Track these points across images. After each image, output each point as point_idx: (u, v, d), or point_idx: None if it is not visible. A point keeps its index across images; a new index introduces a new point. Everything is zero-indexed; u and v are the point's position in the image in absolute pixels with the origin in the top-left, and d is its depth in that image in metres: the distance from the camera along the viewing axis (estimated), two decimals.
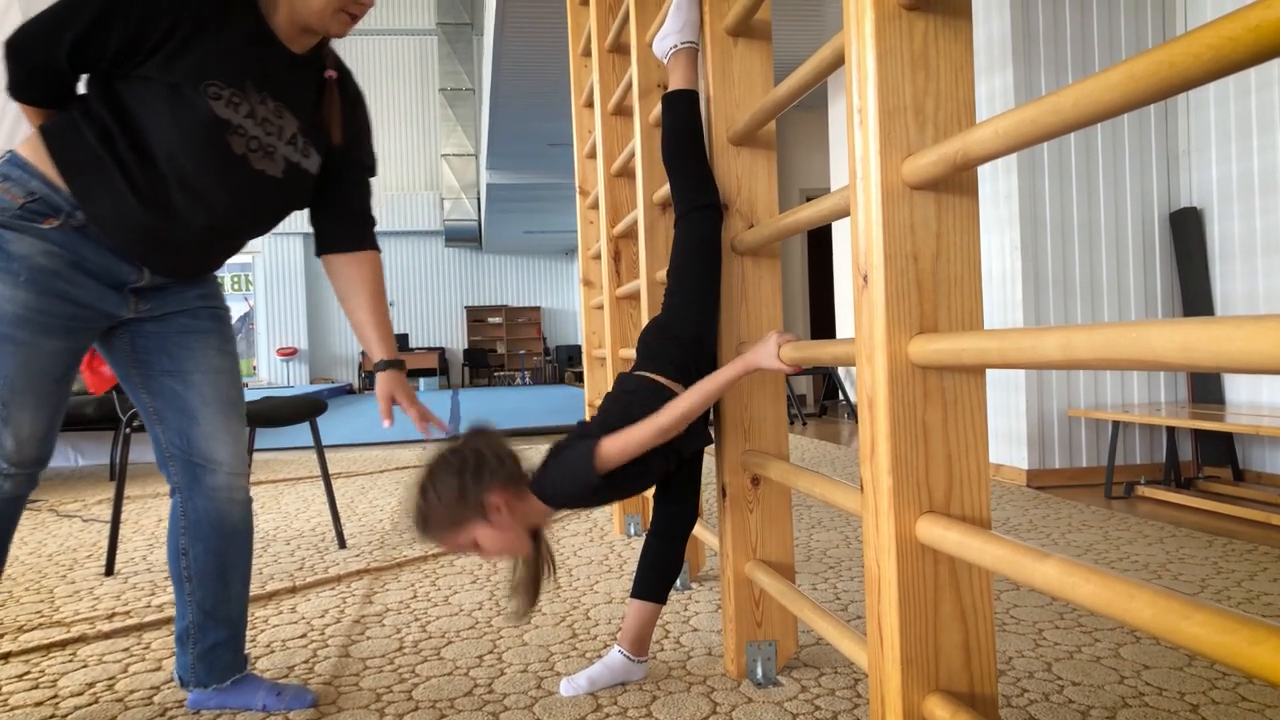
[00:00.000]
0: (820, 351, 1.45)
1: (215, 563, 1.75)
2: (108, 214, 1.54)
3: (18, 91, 1.54)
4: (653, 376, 1.80)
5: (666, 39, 1.95)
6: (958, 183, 1.11)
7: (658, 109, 2.32)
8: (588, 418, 3.91)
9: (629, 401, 1.77)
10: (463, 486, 1.59)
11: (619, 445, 1.65)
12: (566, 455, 1.68)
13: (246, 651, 1.84)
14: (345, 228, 1.85)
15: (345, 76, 1.76)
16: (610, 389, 1.88)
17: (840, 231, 7.26)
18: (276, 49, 1.60)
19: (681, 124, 1.92)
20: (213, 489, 1.73)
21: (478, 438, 1.67)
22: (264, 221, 1.72)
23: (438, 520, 1.61)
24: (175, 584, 1.78)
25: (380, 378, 1.84)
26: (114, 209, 1.53)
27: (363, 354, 18.67)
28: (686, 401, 1.65)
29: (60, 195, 1.52)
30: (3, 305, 1.50)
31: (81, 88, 1.56)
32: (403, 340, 18.98)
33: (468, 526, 1.61)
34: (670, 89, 1.96)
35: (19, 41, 1.49)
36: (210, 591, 1.75)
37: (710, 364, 1.88)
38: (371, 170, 1.87)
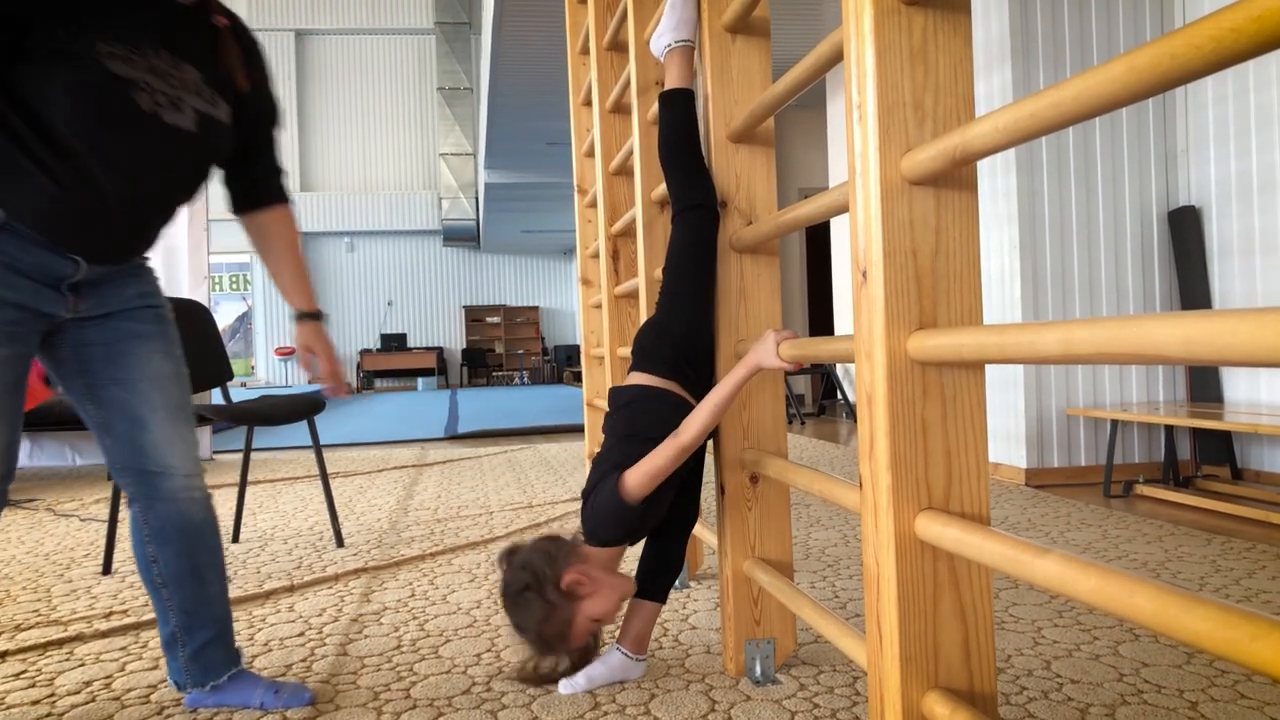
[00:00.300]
0: (819, 348, 1.45)
1: (188, 564, 1.72)
2: (27, 204, 1.47)
3: None
4: (646, 381, 1.80)
5: (662, 37, 1.95)
6: (957, 178, 1.10)
7: (655, 107, 2.32)
8: (585, 420, 3.91)
9: (630, 415, 1.78)
10: (542, 598, 1.69)
11: (643, 475, 1.66)
12: (597, 500, 1.72)
13: (238, 646, 1.84)
14: (259, 186, 1.86)
15: (236, 22, 1.74)
16: (607, 407, 1.88)
17: (839, 229, 7.26)
18: (162, 1, 1.58)
19: (678, 122, 1.92)
20: (170, 493, 1.70)
21: (513, 556, 1.78)
22: (187, 183, 1.68)
23: (551, 635, 1.72)
24: (151, 592, 1.75)
25: (300, 329, 1.88)
26: (32, 198, 1.47)
27: (361, 354, 18.66)
28: (700, 417, 1.66)
29: None
30: None
31: None
32: (400, 339, 18.98)
33: (575, 617, 1.71)
34: (666, 87, 1.96)
35: None
36: (189, 593, 1.73)
37: (705, 362, 1.88)
38: (276, 120, 1.86)
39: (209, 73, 1.65)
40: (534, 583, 1.70)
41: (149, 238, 1.69)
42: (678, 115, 1.92)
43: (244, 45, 1.74)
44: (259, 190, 1.85)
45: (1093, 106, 0.78)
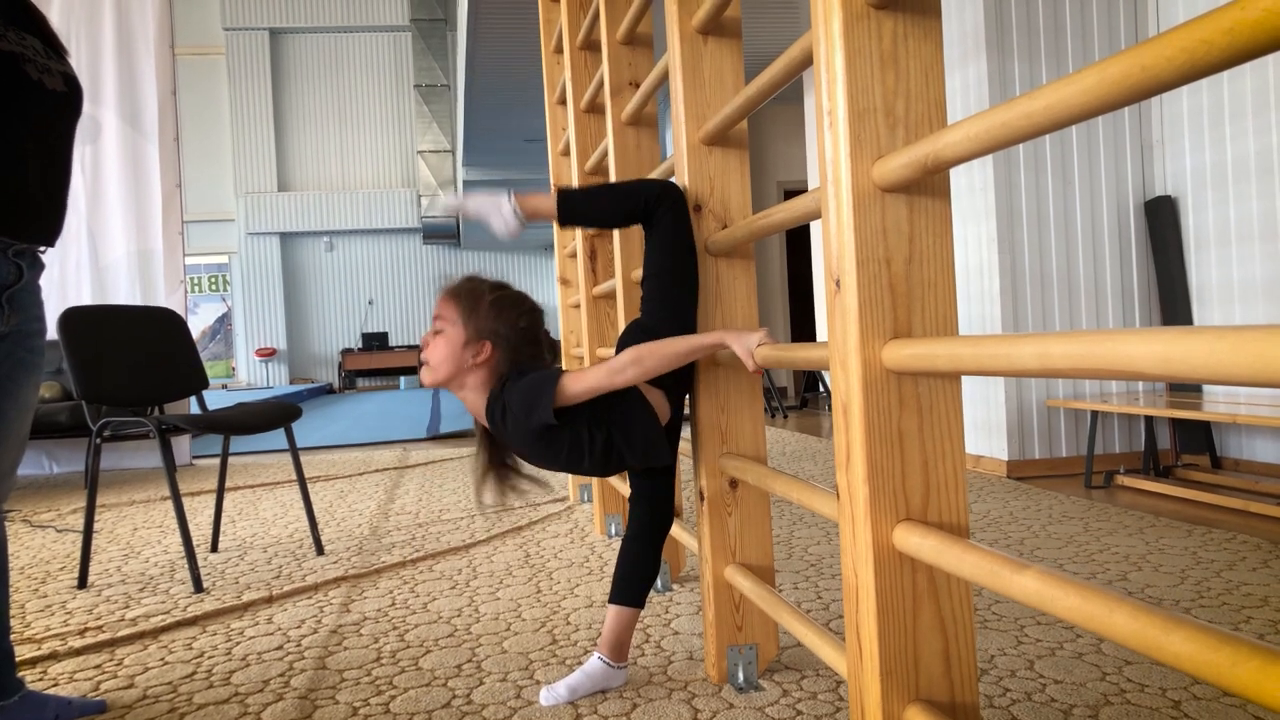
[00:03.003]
0: (795, 355, 1.43)
1: None
2: None
3: None
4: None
5: (504, 215, 1.97)
6: (929, 185, 1.09)
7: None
8: None
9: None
10: (481, 305, 1.69)
11: (575, 383, 1.63)
12: (534, 376, 1.66)
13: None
14: None
15: None
16: None
17: (817, 231, 7.25)
18: None
19: (587, 199, 1.99)
20: None
21: (521, 291, 1.81)
22: (71, 145, 1.73)
23: (470, 295, 1.70)
24: None
25: None
26: None
27: (342, 354, 18.54)
28: (641, 350, 1.63)
29: None
30: None
31: None
32: (382, 339, 18.87)
33: (462, 325, 1.68)
34: (556, 214, 1.96)
35: None
36: None
37: (691, 369, 1.86)
38: None
39: (42, 37, 1.70)
40: (522, 318, 1.73)
41: (64, 211, 1.73)
42: (580, 199, 1.98)
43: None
44: None
45: (1064, 117, 0.77)
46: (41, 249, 1.73)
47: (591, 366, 1.64)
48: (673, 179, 1.93)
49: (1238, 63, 0.61)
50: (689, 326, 1.85)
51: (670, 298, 1.85)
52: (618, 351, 1.88)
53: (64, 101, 1.67)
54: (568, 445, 1.69)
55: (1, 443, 1.69)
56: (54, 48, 1.73)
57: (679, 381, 1.87)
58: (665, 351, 1.63)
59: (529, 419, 1.63)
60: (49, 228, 1.70)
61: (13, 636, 2.38)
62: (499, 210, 1.94)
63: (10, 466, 1.74)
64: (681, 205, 1.85)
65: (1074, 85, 0.74)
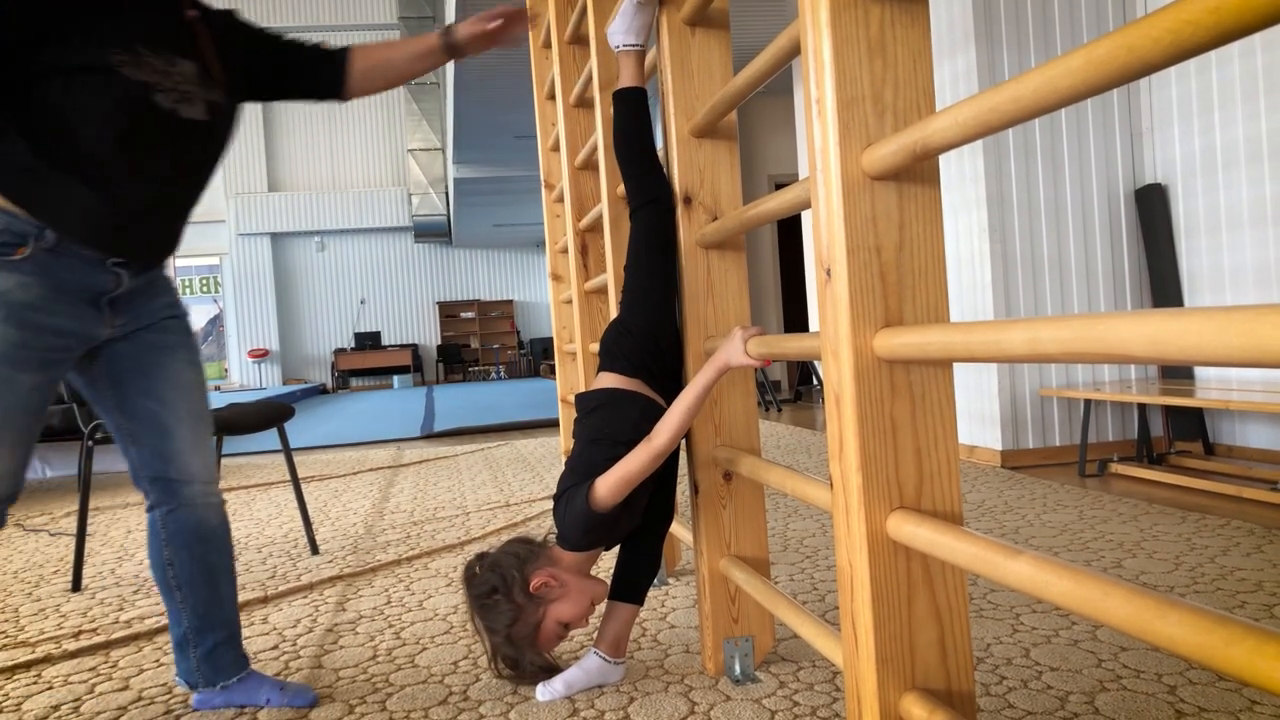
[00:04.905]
0: (787, 346, 1.43)
1: (202, 568, 1.77)
2: (73, 216, 1.52)
3: None
4: (613, 383, 1.80)
5: (614, 35, 1.94)
6: (919, 172, 1.08)
7: None
8: (560, 416, 3.89)
9: (598, 419, 1.77)
10: (510, 601, 1.69)
11: (615, 482, 1.65)
12: (569, 509, 1.71)
13: (245, 650, 1.87)
14: (323, 62, 1.88)
15: (205, 11, 1.74)
16: (577, 406, 1.87)
17: (809, 222, 7.25)
18: (142, 2, 1.60)
19: (629, 120, 1.92)
20: (190, 500, 1.76)
21: (479, 561, 1.79)
22: (206, 172, 1.73)
23: (520, 639, 1.72)
24: (164, 593, 1.80)
25: (460, 43, 1.87)
26: (76, 209, 1.52)
27: (335, 353, 18.50)
28: (672, 420, 1.65)
29: (21, 220, 1.49)
30: None
31: None
32: (375, 338, 18.84)
33: (543, 620, 1.71)
34: (618, 86, 1.94)
35: None
36: (202, 596, 1.78)
37: (672, 358, 1.86)
38: (274, 36, 1.88)
39: (199, 63, 1.68)
40: (502, 585, 1.70)
41: (180, 235, 1.74)
42: (629, 113, 1.92)
43: (216, 29, 1.75)
44: (325, 65, 1.88)
45: (1052, 100, 0.77)
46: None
47: (626, 461, 1.65)
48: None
49: (1223, 42, 0.61)
50: (669, 324, 1.86)
51: (650, 292, 1.86)
52: (601, 347, 1.88)
53: (203, 130, 1.65)
54: (641, 491, 1.72)
55: (176, 424, 1.72)
56: (211, 74, 1.69)
57: (669, 376, 1.87)
58: (687, 412, 1.64)
59: (608, 529, 1.73)
60: (154, 251, 1.69)
61: (5, 640, 2.38)
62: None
63: (195, 443, 1.75)
64: (666, 205, 1.86)
65: (1061, 68, 0.73)
